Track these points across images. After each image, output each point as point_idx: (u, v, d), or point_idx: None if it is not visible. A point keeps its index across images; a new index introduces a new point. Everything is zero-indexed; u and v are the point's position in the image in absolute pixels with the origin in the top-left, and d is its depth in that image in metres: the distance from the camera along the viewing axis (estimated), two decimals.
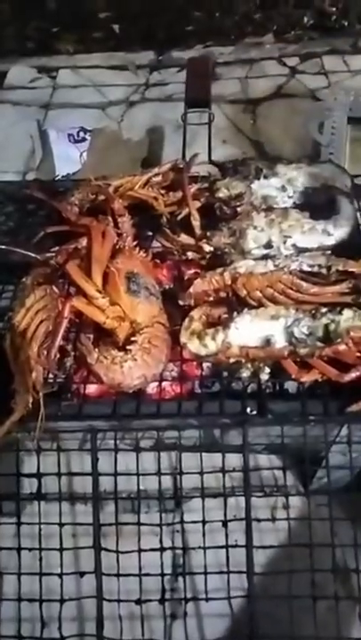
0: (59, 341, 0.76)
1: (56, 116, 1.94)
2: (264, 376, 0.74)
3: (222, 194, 0.91)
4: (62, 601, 0.72)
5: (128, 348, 0.74)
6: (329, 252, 0.82)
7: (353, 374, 0.70)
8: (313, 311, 0.72)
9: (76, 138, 1.81)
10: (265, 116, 1.85)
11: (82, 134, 1.81)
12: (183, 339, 0.77)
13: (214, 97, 1.92)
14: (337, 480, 0.86)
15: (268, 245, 0.85)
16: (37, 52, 2.17)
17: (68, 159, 1.72)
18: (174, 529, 0.83)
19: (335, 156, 1.51)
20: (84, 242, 0.88)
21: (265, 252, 0.85)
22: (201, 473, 0.74)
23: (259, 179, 0.91)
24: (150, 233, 0.96)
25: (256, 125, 1.84)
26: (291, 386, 0.81)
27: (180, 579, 0.81)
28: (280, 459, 0.93)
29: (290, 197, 0.91)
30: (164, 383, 0.81)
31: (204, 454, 0.77)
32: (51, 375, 0.78)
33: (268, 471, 0.94)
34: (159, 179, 0.99)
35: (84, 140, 1.79)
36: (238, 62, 2.08)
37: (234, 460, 0.76)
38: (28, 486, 0.78)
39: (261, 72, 2.02)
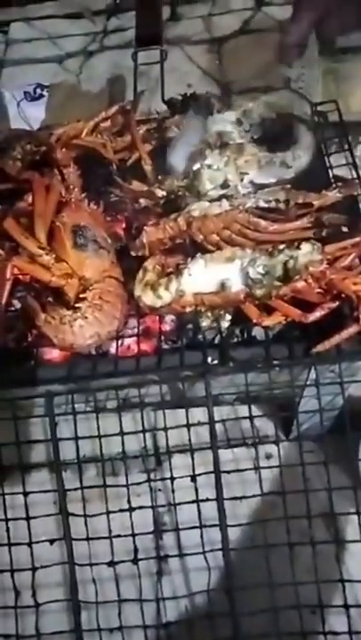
0: (3, 305, 0.71)
1: (11, 74, 1.82)
2: (224, 323, 0.70)
3: (173, 133, 0.84)
4: (34, 569, 0.70)
5: (77, 305, 0.70)
6: (289, 185, 0.76)
7: (317, 313, 0.66)
8: (270, 249, 0.67)
9: (32, 95, 1.70)
10: (231, 54, 1.74)
11: (38, 91, 1.71)
12: (137, 291, 0.73)
13: (176, 38, 1.81)
14: (316, 425, 0.83)
15: (225, 185, 0.79)
16: None
17: (25, 119, 1.62)
18: (153, 488, 0.80)
19: (305, 91, 1.42)
20: (29, 198, 0.82)
21: (222, 192, 0.79)
22: (165, 429, 0.70)
23: (212, 114, 0.85)
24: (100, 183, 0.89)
25: (222, 65, 1.73)
26: (258, 333, 0.77)
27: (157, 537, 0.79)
28: (258, 408, 0.90)
29: (246, 131, 0.84)
30: (127, 342, 0.77)
31: (174, 411, 0.74)
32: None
33: (246, 421, 0.91)
34: (107, 124, 0.92)
35: (41, 96, 1.69)
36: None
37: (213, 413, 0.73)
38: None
39: (225, 7, 1.89)
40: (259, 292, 0.65)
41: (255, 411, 0.94)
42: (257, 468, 0.68)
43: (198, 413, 0.75)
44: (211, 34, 1.83)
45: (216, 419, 0.70)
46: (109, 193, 0.87)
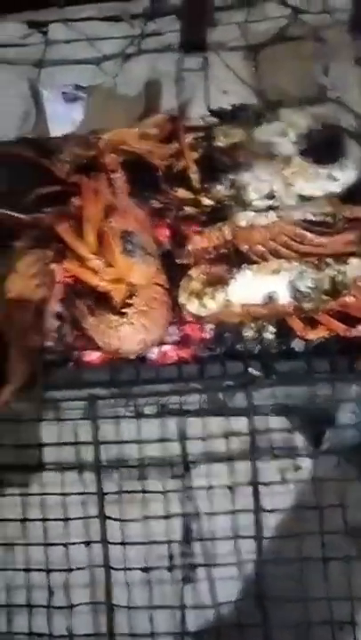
0: (54, 307, 0.73)
1: (49, 74, 1.84)
2: (268, 335, 0.70)
3: (220, 142, 0.85)
4: (70, 570, 0.71)
5: (124, 311, 0.71)
6: (335, 198, 0.76)
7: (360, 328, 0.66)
8: (317, 263, 0.67)
9: (70, 96, 1.72)
10: (268, 61, 1.74)
11: (76, 92, 1.72)
12: (182, 299, 0.73)
13: (212, 45, 1.82)
14: (349, 439, 0.83)
15: (271, 195, 0.79)
16: (26, 6, 2.05)
17: (62, 119, 1.64)
18: (183, 495, 0.81)
19: (342, 99, 1.41)
20: (77, 202, 0.84)
21: (268, 202, 0.79)
22: (204, 438, 0.71)
23: (259, 124, 0.85)
24: (147, 190, 0.90)
25: (258, 73, 1.72)
26: (297, 344, 0.77)
27: (191, 544, 0.79)
28: (289, 420, 0.90)
29: (293, 143, 0.84)
30: (165, 347, 0.77)
31: (209, 419, 0.74)
32: (48, 343, 0.75)
33: (277, 433, 0.92)
34: (155, 131, 0.93)
35: (79, 98, 1.71)
36: (237, 6, 1.94)
37: (240, 423, 0.73)
38: (31, 457, 0.76)
39: (262, 15, 1.89)
40: (308, 306, 0.65)
41: (287, 422, 0.94)
42: (296, 481, 0.68)
43: (228, 422, 0.75)
44: (247, 41, 1.83)
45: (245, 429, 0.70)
46: (153, 199, 0.88)
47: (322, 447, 0.94)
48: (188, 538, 0.80)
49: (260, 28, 1.83)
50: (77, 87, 1.70)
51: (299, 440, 0.95)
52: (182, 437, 0.73)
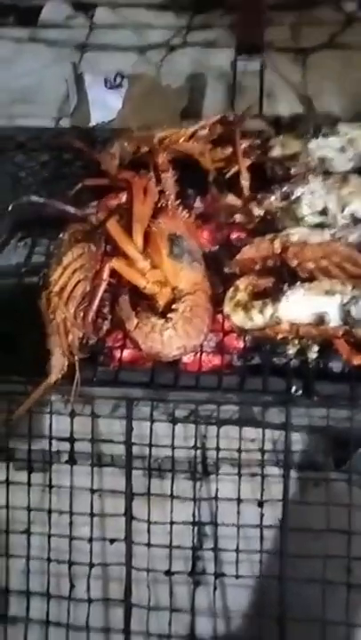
0: (97, 304, 0.72)
1: (92, 59, 1.82)
2: (312, 355, 0.70)
3: (276, 152, 0.84)
4: (91, 565, 0.72)
5: (169, 316, 0.70)
6: None
7: None
8: None
9: (112, 83, 1.70)
10: (316, 67, 1.71)
11: (118, 79, 1.71)
12: (227, 309, 0.73)
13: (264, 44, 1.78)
14: None
15: (324, 212, 0.78)
16: None
17: (103, 106, 1.63)
18: (202, 501, 0.81)
19: None
20: (123, 197, 0.83)
21: (320, 219, 0.78)
22: (239, 450, 0.71)
23: (317, 137, 0.84)
24: (193, 192, 0.90)
25: (305, 78, 1.70)
26: (335, 365, 0.77)
27: (206, 547, 0.80)
28: (316, 439, 0.90)
29: (350, 160, 0.84)
30: (203, 355, 0.77)
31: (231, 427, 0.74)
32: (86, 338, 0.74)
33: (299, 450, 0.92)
34: (205, 132, 0.92)
35: (120, 85, 1.69)
36: (289, 6, 1.90)
37: (267, 436, 0.73)
38: (60, 449, 0.77)
39: (314, 18, 1.86)
40: (357, 331, 0.64)
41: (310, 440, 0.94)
42: (326, 504, 0.67)
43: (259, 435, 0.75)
44: (297, 44, 1.80)
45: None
46: (201, 202, 0.87)
47: (343, 468, 0.94)
48: (201, 544, 0.81)
49: (311, 31, 1.81)
50: (120, 74, 1.69)
51: (320, 458, 0.96)
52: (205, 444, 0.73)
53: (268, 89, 1.66)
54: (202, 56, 1.78)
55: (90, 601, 0.71)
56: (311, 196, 0.79)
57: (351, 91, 1.53)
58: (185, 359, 0.76)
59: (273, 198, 0.80)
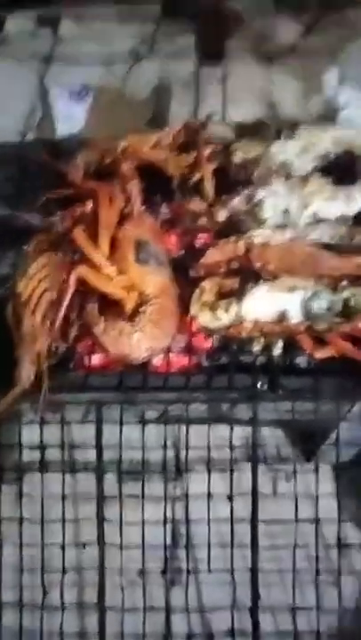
0: (63, 311, 0.73)
1: (57, 72, 1.84)
2: (277, 350, 0.72)
3: (238, 156, 0.86)
4: (64, 572, 0.72)
5: (136, 319, 0.71)
6: (351, 221, 0.78)
7: None
8: (332, 284, 0.69)
9: (77, 95, 1.72)
10: (280, 74, 1.75)
11: (84, 91, 1.72)
12: (193, 310, 0.74)
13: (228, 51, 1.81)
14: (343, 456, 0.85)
15: (286, 214, 0.81)
16: (37, 1, 2.04)
17: (69, 118, 1.64)
18: (175, 500, 0.82)
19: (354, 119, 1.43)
20: (88, 206, 0.84)
21: (283, 220, 0.81)
22: (208, 447, 0.72)
23: (278, 140, 0.86)
24: (159, 198, 0.91)
25: (269, 84, 1.74)
26: (301, 360, 0.79)
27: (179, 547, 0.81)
28: (283, 432, 0.92)
29: (310, 162, 0.86)
30: (170, 355, 0.78)
31: (205, 426, 0.75)
32: (54, 346, 0.75)
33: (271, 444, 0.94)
34: (169, 140, 0.94)
35: (85, 97, 1.71)
36: (253, 13, 1.94)
37: (236, 432, 0.75)
38: (30, 457, 0.77)
39: (277, 26, 1.90)
40: (321, 327, 0.67)
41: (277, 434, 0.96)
42: (294, 496, 0.69)
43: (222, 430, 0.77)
44: (260, 51, 1.84)
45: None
46: (166, 208, 0.89)
47: (313, 460, 0.96)
48: (176, 542, 0.81)
49: (273, 38, 1.85)
50: (85, 87, 1.70)
51: (291, 452, 0.98)
52: (178, 444, 0.74)
53: (232, 95, 1.71)
54: (167, 66, 1.81)
55: (64, 608, 0.70)
56: (273, 198, 0.81)
57: (313, 96, 1.57)
58: (154, 361, 0.78)
59: (237, 201, 0.82)
